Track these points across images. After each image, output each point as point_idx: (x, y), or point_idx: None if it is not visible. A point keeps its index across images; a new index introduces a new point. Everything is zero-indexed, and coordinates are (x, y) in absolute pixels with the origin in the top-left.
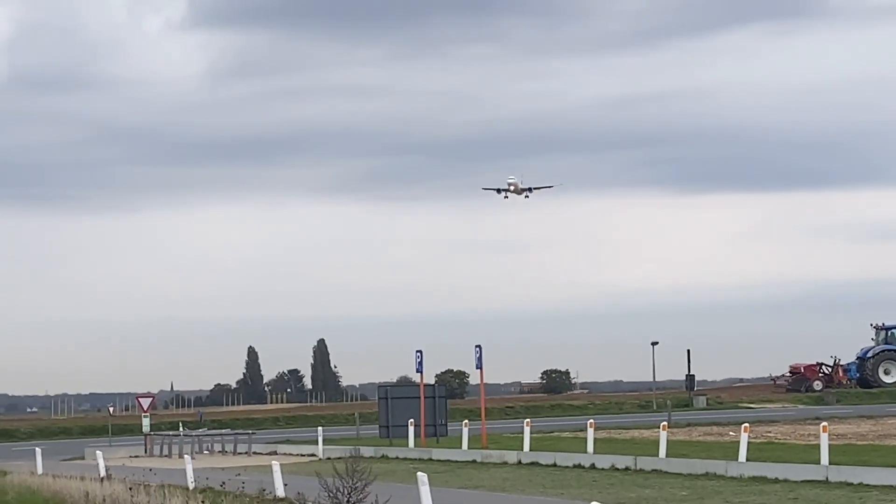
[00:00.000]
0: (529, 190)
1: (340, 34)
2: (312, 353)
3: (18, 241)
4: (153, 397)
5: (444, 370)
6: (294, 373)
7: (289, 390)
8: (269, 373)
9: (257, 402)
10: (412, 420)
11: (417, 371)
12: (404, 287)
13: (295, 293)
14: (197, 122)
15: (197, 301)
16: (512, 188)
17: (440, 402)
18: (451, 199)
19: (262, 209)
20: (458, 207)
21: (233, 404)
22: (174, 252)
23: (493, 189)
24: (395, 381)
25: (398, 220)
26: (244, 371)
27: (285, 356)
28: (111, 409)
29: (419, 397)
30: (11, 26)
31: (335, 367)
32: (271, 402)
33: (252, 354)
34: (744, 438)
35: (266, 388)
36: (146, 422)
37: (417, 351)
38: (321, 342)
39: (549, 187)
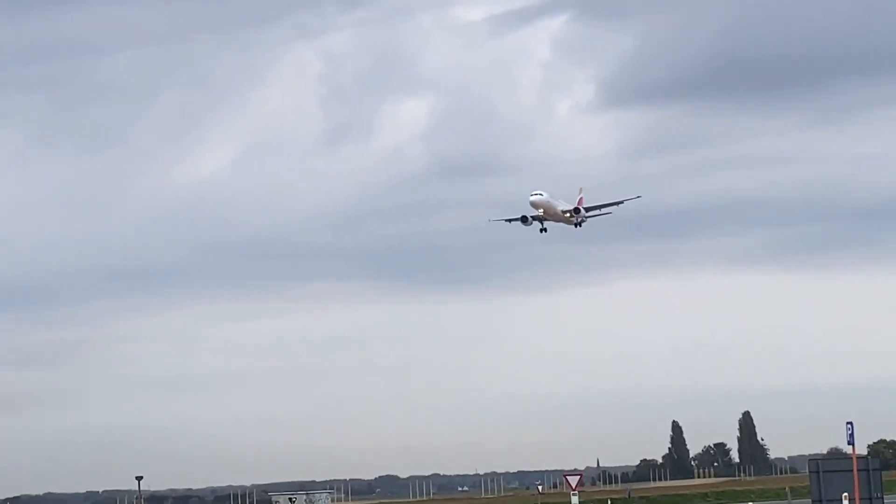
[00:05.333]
0: (577, 211)
1: (750, 106)
2: (738, 426)
3: (447, 324)
4: (581, 475)
5: (876, 440)
6: (720, 446)
7: (716, 464)
8: (694, 447)
9: (684, 477)
10: (846, 494)
11: (849, 443)
12: (828, 354)
13: (717, 364)
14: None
15: (620, 375)
16: (541, 211)
17: (874, 474)
18: (871, 264)
19: (674, 282)
20: (878, 272)
21: (659, 480)
22: (592, 328)
23: (516, 219)
24: (825, 452)
25: (817, 288)
26: (669, 445)
27: (710, 429)
28: (540, 488)
29: (852, 470)
30: (430, 118)
31: (762, 439)
32: (698, 477)
33: (676, 429)
34: None
35: (692, 463)
36: (575, 500)
37: (848, 422)
38: (746, 414)
39: (619, 203)
